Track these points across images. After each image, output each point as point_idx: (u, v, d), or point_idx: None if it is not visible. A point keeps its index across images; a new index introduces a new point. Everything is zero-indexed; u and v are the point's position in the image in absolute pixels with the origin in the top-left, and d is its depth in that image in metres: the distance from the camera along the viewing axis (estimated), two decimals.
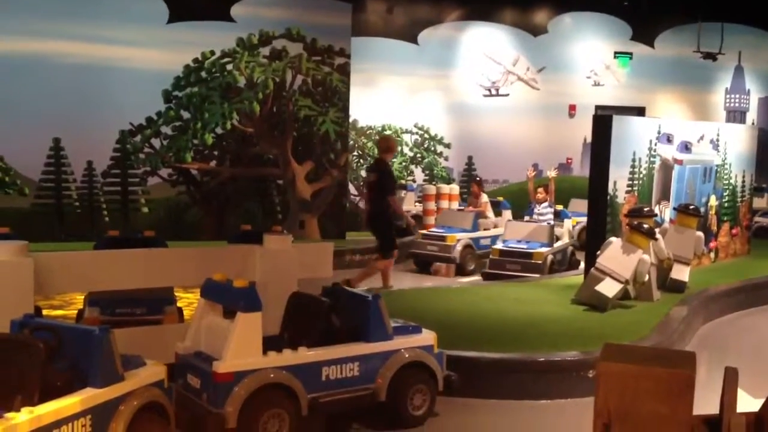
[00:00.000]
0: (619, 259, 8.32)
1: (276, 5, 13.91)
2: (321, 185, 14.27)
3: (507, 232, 11.70)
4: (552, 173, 12.60)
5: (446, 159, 17.54)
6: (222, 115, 13.32)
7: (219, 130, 13.40)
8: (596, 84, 19.01)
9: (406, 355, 5.54)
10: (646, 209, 9.15)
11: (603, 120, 9.57)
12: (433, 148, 17.39)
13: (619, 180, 9.56)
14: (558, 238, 11.72)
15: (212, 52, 13.33)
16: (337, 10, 14.34)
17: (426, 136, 17.32)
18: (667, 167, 10.48)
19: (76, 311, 7.44)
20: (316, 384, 5.16)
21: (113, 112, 12.70)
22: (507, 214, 13.40)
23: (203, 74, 13.28)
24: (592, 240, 9.33)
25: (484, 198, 13.27)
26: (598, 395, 3.33)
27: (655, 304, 8.58)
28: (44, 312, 7.00)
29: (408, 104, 17.05)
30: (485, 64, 17.93)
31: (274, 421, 4.94)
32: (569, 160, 18.73)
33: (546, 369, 6.37)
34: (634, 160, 9.83)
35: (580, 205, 13.78)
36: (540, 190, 12.31)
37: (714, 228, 11.68)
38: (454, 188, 15.38)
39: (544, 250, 11.19)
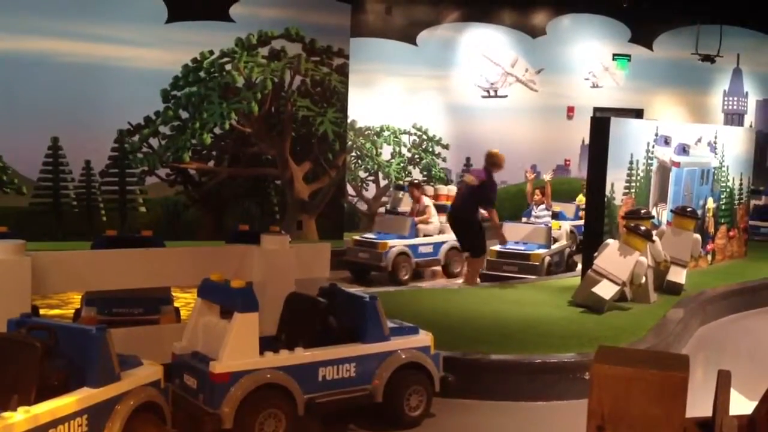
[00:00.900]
0: (616, 261, 8.32)
1: (275, 5, 13.89)
2: (319, 185, 14.26)
3: (505, 233, 11.69)
4: (547, 176, 12.62)
5: (444, 160, 17.53)
6: (220, 115, 13.31)
7: (217, 130, 13.39)
8: (594, 86, 19.00)
9: (403, 356, 5.55)
10: (643, 211, 9.17)
11: (601, 122, 9.60)
12: (431, 149, 17.39)
13: (616, 182, 9.59)
14: (556, 240, 11.75)
15: (211, 52, 13.31)
16: (336, 10, 14.33)
17: (424, 136, 17.30)
18: (664, 169, 10.49)
19: (73, 311, 7.46)
20: (313, 384, 5.18)
21: (111, 112, 12.66)
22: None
23: (202, 74, 13.25)
24: (588, 242, 9.36)
25: (426, 201, 12.36)
26: (592, 397, 3.35)
27: (652, 306, 8.59)
28: (41, 311, 6.99)
29: (406, 105, 17.03)
30: (484, 65, 17.91)
31: (271, 421, 4.96)
32: (567, 162, 18.74)
33: (542, 370, 6.38)
34: (631, 162, 9.84)
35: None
36: (537, 192, 12.35)
37: (711, 230, 11.70)
38: (452, 189, 15.34)
39: (541, 251, 11.21)
